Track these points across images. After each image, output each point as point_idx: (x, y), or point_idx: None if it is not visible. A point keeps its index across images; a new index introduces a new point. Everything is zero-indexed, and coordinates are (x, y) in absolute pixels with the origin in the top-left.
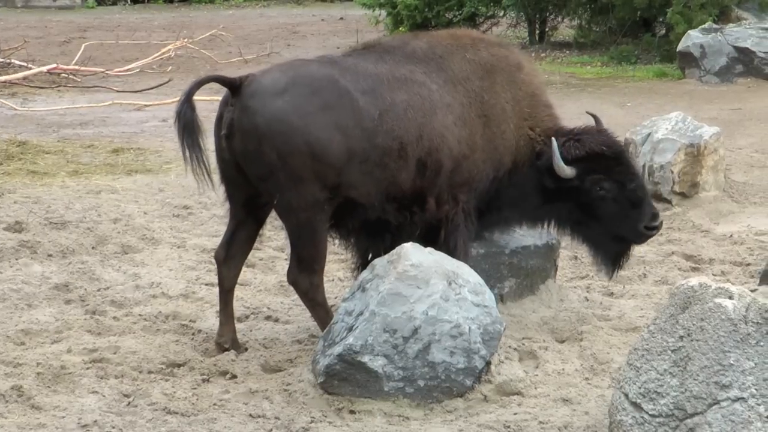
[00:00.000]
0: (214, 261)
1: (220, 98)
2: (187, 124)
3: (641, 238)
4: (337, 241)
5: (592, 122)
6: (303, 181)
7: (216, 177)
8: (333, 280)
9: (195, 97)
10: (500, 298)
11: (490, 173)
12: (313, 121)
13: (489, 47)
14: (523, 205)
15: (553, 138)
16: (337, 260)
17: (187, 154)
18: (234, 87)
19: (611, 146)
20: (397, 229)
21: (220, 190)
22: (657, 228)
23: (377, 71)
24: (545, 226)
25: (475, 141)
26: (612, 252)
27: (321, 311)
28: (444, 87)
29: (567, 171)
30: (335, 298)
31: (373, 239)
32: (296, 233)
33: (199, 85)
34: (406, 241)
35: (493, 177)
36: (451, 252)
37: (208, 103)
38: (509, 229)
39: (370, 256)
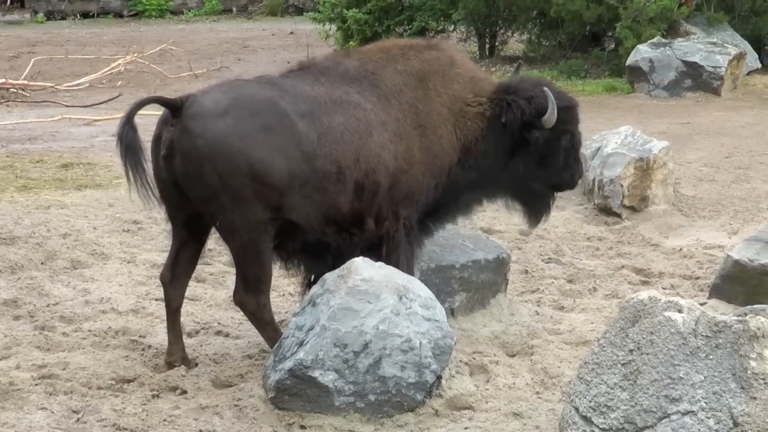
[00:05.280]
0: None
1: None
2: (129, 146)
3: (573, 187)
4: (278, 264)
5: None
6: (245, 202)
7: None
8: (283, 294)
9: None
10: (451, 313)
11: (431, 182)
12: (254, 143)
13: (419, 53)
14: (481, 182)
15: (546, 89)
16: (287, 275)
17: (131, 175)
18: (175, 108)
19: (573, 98)
20: (338, 250)
21: (161, 210)
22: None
23: (314, 94)
24: (503, 195)
25: (413, 154)
26: (548, 201)
27: (269, 330)
28: (378, 104)
29: (554, 118)
30: (285, 313)
31: (313, 260)
32: (241, 254)
33: (139, 106)
34: (347, 260)
35: (435, 184)
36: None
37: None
38: (470, 213)
39: (313, 277)
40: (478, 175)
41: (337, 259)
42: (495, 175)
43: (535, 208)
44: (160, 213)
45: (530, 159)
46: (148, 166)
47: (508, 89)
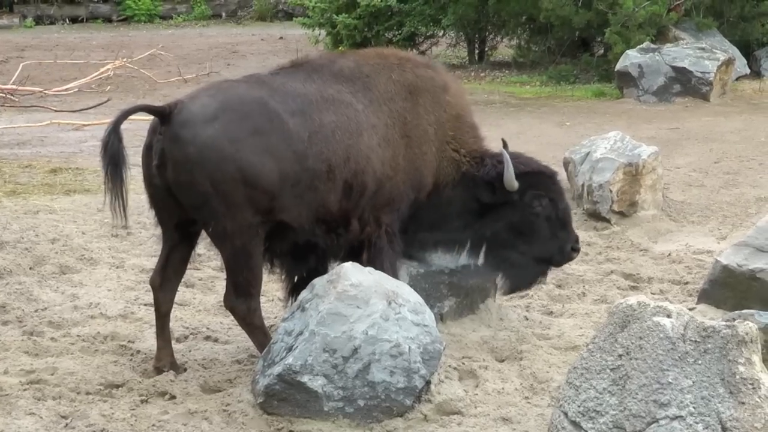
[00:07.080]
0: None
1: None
2: (113, 156)
3: (566, 260)
4: (265, 266)
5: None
6: (237, 207)
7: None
8: (273, 300)
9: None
10: (440, 318)
11: (411, 195)
12: (245, 146)
13: (415, 68)
14: (441, 227)
15: (503, 150)
16: (277, 280)
17: (110, 185)
18: (163, 115)
19: (548, 167)
20: (323, 252)
21: (151, 215)
22: (578, 250)
23: (306, 91)
24: (459, 249)
25: (398, 162)
26: (533, 274)
27: (259, 334)
28: (369, 107)
29: (515, 183)
30: (275, 318)
31: (297, 263)
32: (232, 259)
33: (126, 114)
34: (331, 263)
35: (414, 198)
36: None
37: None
38: (424, 253)
39: (296, 278)
40: (437, 219)
41: (320, 263)
42: (454, 229)
43: (515, 279)
44: (152, 215)
45: (501, 225)
46: (128, 178)
47: (492, 154)
